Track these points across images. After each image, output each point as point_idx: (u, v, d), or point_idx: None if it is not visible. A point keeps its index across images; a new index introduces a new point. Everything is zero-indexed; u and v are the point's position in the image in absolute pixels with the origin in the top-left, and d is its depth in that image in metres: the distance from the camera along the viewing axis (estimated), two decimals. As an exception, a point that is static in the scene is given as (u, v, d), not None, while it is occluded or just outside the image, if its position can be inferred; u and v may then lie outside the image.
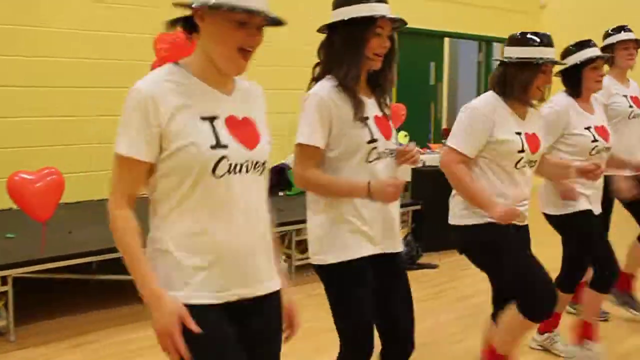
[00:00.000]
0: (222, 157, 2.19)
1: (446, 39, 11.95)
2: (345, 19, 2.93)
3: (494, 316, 3.91)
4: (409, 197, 8.28)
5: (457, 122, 3.70)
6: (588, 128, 4.28)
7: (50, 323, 5.31)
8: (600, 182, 4.35)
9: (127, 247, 2.22)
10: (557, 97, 4.40)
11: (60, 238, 5.49)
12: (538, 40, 3.59)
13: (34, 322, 5.26)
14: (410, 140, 9.44)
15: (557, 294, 3.68)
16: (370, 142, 2.97)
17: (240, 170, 2.24)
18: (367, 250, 3.01)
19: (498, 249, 3.64)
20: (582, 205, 4.30)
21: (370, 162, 3.00)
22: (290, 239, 6.59)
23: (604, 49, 5.06)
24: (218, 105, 2.26)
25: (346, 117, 2.95)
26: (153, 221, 2.33)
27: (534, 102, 3.75)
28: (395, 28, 3.06)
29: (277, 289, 2.44)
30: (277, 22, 2.27)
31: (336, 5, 3.01)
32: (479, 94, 11.63)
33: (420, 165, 8.37)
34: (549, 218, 4.43)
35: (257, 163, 2.29)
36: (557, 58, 3.85)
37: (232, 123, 2.27)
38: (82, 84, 7.05)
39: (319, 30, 3.08)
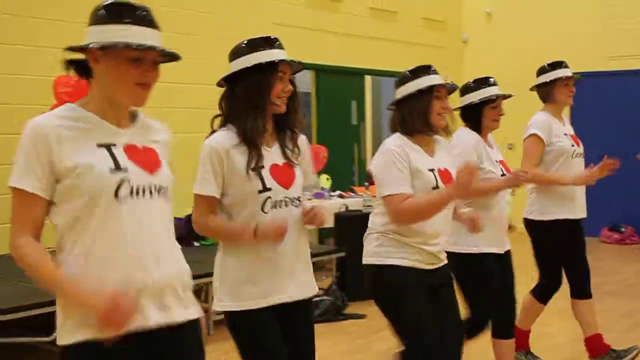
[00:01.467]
0: (123, 180, 2.35)
1: (367, 77, 12.12)
2: (249, 65, 3.14)
3: None
4: (332, 244, 8.32)
5: (377, 170, 3.81)
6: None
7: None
8: None
9: (35, 263, 2.35)
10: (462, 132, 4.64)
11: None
12: (425, 69, 3.80)
13: None
14: (332, 183, 9.55)
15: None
16: (261, 191, 3.13)
17: (143, 194, 2.40)
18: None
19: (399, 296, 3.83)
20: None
21: (266, 212, 3.15)
22: (207, 292, 6.54)
23: (542, 85, 5.33)
24: (115, 136, 2.44)
25: (239, 167, 3.13)
26: (60, 259, 2.43)
27: (442, 136, 3.95)
28: (294, 72, 3.28)
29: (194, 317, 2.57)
30: (172, 58, 2.47)
31: (234, 56, 3.23)
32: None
33: (343, 209, 8.42)
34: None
35: (160, 188, 2.46)
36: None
37: (131, 150, 2.44)
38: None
39: (219, 84, 3.28)
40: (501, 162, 4.62)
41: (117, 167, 2.36)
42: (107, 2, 2.42)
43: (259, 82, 3.14)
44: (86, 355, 2.36)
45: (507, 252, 4.62)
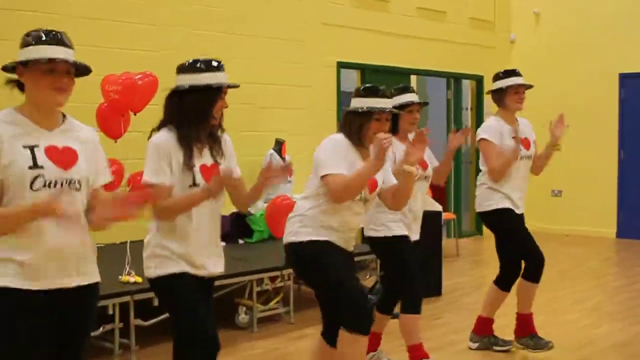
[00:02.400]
0: (38, 175, 2.98)
1: (413, 76, 12.03)
2: (200, 85, 3.69)
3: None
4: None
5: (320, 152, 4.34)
6: None
7: None
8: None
9: None
10: None
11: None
12: (374, 92, 4.40)
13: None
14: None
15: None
16: (191, 186, 3.66)
17: (55, 186, 3.01)
18: None
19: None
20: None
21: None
22: (251, 290, 6.53)
23: (495, 91, 5.75)
24: (39, 138, 3.05)
25: (178, 162, 3.67)
26: None
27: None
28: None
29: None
30: (82, 69, 3.14)
31: (183, 71, 3.76)
32: (448, 131, 11.77)
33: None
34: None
35: (71, 180, 3.06)
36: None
37: (51, 150, 3.05)
38: None
39: (168, 95, 3.81)
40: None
41: (35, 165, 2.99)
42: (31, 31, 3.07)
43: (204, 102, 3.71)
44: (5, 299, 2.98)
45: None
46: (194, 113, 3.69)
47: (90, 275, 3.23)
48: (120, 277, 5.86)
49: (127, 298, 5.62)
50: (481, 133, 5.74)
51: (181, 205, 3.66)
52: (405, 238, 5.11)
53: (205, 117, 3.71)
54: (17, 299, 2.98)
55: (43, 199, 2.92)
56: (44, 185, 2.99)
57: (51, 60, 2.99)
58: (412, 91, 5.30)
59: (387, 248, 5.18)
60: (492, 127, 5.72)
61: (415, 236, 5.23)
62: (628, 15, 11.81)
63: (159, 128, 3.74)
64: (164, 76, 6.09)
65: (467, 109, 12.88)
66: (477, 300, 6.15)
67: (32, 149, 3.00)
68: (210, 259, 3.79)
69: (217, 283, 4.31)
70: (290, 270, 6.71)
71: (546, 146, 5.76)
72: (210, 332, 3.69)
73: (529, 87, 5.78)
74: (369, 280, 7.88)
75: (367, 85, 4.50)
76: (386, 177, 4.46)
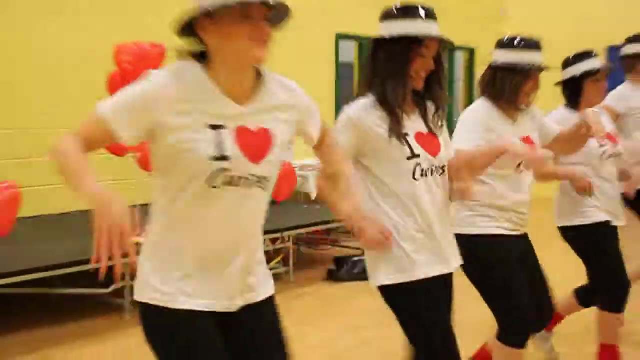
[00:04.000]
0: (223, 169, 2.15)
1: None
2: (387, 37, 2.87)
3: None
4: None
5: (458, 126, 3.53)
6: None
7: (12, 338, 5.29)
8: None
9: (66, 158, 2.10)
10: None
11: (20, 252, 5.46)
12: (527, 44, 3.55)
13: (10, 335, 5.24)
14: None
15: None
16: (410, 158, 2.88)
17: (238, 184, 2.20)
18: None
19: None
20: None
21: (417, 179, 2.90)
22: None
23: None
24: (229, 116, 2.19)
25: (380, 134, 2.88)
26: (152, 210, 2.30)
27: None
28: (443, 48, 2.94)
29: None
30: (282, 11, 2.22)
31: (383, 17, 2.94)
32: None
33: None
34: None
35: (262, 178, 2.26)
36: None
37: (242, 133, 2.20)
38: (34, 97, 7.02)
39: (370, 45, 2.98)
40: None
41: (222, 155, 2.15)
42: None
43: (397, 55, 2.86)
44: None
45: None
46: (388, 70, 2.90)
47: None
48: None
49: (136, 257, 5.66)
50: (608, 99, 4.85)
51: None
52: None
53: (400, 75, 2.87)
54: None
55: None
56: (226, 184, 2.18)
57: (244, 4, 2.10)
58: (594, 55, 4.28)
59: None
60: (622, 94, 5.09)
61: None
62: None
63: (358, 95, 3.00)
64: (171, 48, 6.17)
65: (458, 80, 12.90)
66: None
67: (218, 130, 2.17)
68: None
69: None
70: (291, 232, 6.79)
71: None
72: None
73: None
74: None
75: (515, 36, 3.60)
76: (543, 131, 3.77)
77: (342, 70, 10.41)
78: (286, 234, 6.82)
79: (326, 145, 2.58)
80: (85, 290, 5.70)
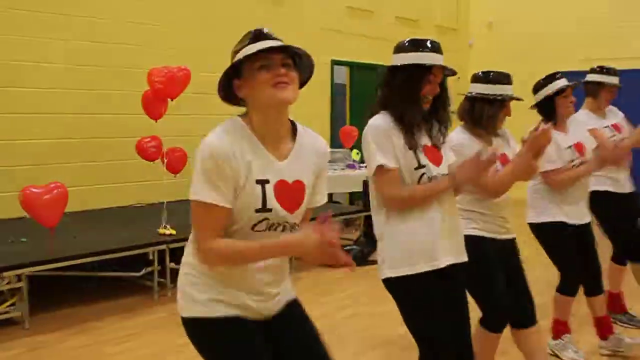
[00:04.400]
0: (263, 219, 2.12)
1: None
2: (400, 65, 2.81)
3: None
4: (361, 205, 8.37)
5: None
6: None
7: (59, 313, 5.31)
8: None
9: (242, 252, 2.11)
10: None
11: (66, 242, 5.47)
12: (500, 78, 3.46)
13: (45, 313, 5.26)
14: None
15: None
16: (417, 168, 2.77)
17: (276, 229, 2.16)
18: None
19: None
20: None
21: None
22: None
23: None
24: (271, 170, 2.14)
25: (400, 145, 2.76)
26: None
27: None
28: (446, 75, 2.89)
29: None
30: (295, 54, 2.18)
31: (398, 50, 2.89)
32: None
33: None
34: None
35: (294, 225, 2.21)
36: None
37: (280, 187, 2.15)
38: (80, 111, 7.04)
39: (386, 72, 2.91)
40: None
41: (264, 207, 2.11)
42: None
43: (411, 80, 2.78)
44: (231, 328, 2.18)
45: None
46: (403, 93, 2.81)
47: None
48: (158, 229, 5.93)
49: (163, 246, 5.69)
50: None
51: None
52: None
53: (413, 97, 2.79)
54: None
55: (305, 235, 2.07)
56: (266, 229, 2.14)
57: (257, 53, 2.06)
58: (560, 77, 4.22)
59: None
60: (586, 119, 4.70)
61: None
62: (565, 23, 11.87)
63: (373, 114, 2.88)
64: (194, 70, 6.21)
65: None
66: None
67: (263, 185, 2.12)
68: None
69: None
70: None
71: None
72: None
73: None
74: (354, 234, 7.98)
75: (493, 71, 3.50)
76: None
77: (335, 89, 10.44)
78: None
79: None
80: (120, 273, 5.72)
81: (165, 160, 5.97)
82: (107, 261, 5.49)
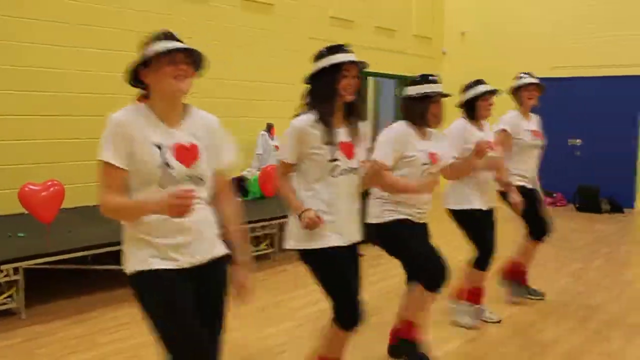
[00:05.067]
0: (168, 174, 2.41)
1: (370, 78, 12.06)
2: (324, 66, 3.10)
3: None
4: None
5: (378, 141, 3.82)
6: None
7: (55, 305, 5.25)
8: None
9: (124, 207, 2.42)
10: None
11: (62, 236, 5.43)
12: (429, 79, 3.85)
13: (41, 304, 5.21)
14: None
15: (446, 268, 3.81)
16: (331, 160, 3.08)
17: (180, 183, 2.42)
18: None
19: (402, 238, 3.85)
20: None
21: (335, 176, 3.12)
22: (246, 235, 6.61)
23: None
24: (166, 136, 2.45)
25: (316, 141, 3.08)
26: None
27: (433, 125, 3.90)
28: (361, 69, 3.17)
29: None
30: (198, 56, 2.49)
31: (315, 59, 3.17)
32: (394, 120, 11.85)
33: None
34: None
35: (194, 176, 2.47)
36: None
37: (178, 148, 2.45)
38: (77, 113, 6.99)
39: (305, 82, 3.22)
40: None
41: (165, 163, 2.41)
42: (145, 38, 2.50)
43: (329, 79, 3.09)
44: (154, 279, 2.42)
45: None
46: (323, 92, 3.12)
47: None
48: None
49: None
50: (501, 125, 5.20)
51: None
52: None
53: (332, 93, 3.10)
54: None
55: (172, 194, 2.26)
56: (171, 183, 2.40)
57: (170, 52, 2.39)
58: (483, 82, 4.65)
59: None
60: (510, 121, 5.23)
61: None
62: (531, 34, 11.93)
63: (301, 114, 3.18)
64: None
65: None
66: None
67: (160, 147, 2.41)
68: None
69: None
70: (277, 221, 6.80)
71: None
72: None
73: (541, 86, 5.28)
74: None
75: (422, 74, 3.91)
76: (445, 155, 3.99)
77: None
78: (273, 222, 6.82)
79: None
80: (112, 266, 5.68)
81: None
82: (101, 255, 5.45)
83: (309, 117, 3.11)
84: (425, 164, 3.78)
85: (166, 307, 2.40)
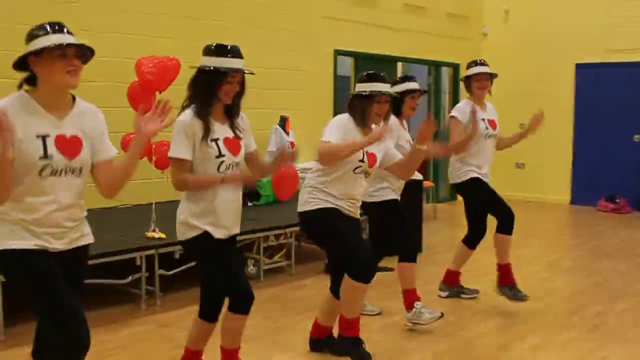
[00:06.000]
0: (47, 165, 2.80)
1: (399, 64, 11.97)
2: (209, 68, 3.51)
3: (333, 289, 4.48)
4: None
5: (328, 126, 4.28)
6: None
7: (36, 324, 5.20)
8: None
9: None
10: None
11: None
12: (376, 77, 4.32)
13: (21, 323, 5.16)
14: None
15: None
16: (218, 156, 3.55)
17: (60, 174, 2.85)
18: None
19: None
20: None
21: (220, 171, 3.61)
22: (258, 245, 6.55)
23: (464, 78, 5.74)
24: (51, 128, 2.84)
25: (199, 137, 3.52)
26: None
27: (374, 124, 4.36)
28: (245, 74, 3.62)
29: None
30: (88, 50, 2.89)
31: (204, 52, 3.58)
32: (429, 110, 11.76)
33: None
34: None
35: (74, 169, 2.89)
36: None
37: (60, 140, 2.84)
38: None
39: (195, 71, 3.61)
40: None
41: (45, 155, 2.79)
42: (35, 26, 2.85)
43: (211, 82, 3.52)
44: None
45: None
46: (203, 92, 3.55)
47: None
48: (146, 233, 5.85)
49: (152, 251, 5.62)
50: (452, 112, 5.72)
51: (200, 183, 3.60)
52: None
53: (212, 96, 3.54)
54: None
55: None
56: (51, 174, 2.82)
57: (61, 46, 2.76)
58: (415, 80, 5.44)
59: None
60: (461, 108, 5.67)
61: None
62: (581, 14, 11.78)
63: (184, 108, 3.60)
64: (185, 62, 6.12)
65: (445, 92, 12.84)
66: (450, 256, 6.16)
67: (43, 138, 2.80)
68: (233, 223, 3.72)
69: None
70: (293, 229, 6.74)
71: (520, 133, 5.81)
72: (242, 283, 3.67)
73: (493, 75, 5.67)
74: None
75: (369, 72, 4.41)
76: (388, 154, 4.46)
77: (339, 82, 10.34)
78: (288, 230, 6.75)
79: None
80: (104, 280, 5.63)
81: (154, 158, 5.88)
82: (90, 267, 5.39)
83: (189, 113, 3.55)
84: (361, 160, 4.24)
85: (41, 276, 2.94)
